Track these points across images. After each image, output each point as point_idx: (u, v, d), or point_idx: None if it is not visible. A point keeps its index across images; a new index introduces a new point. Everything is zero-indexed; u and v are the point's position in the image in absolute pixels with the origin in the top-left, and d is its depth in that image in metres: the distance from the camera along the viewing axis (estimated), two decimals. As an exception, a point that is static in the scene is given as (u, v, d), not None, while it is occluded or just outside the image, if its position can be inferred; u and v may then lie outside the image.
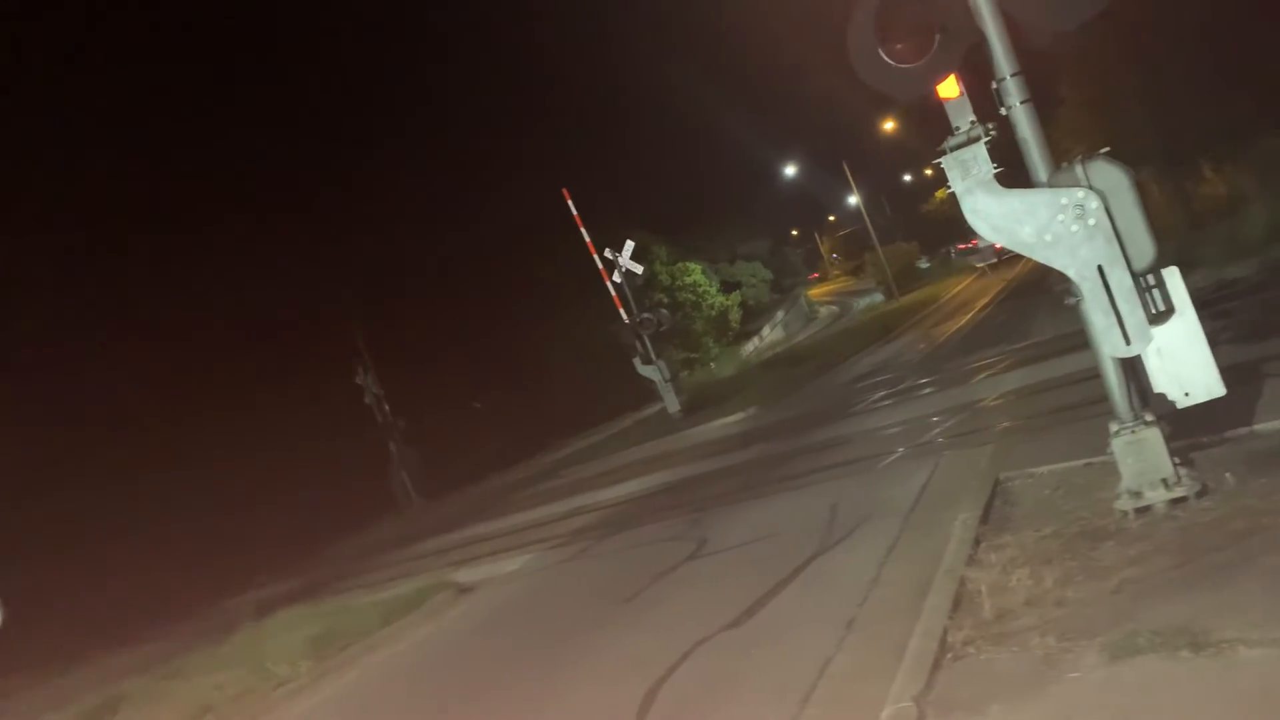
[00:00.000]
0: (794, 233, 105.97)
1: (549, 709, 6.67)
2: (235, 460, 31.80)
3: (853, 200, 64.23)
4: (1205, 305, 11.22)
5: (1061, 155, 6.06)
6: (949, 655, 4.95)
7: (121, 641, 19.98)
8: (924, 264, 70.56)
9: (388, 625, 11.28)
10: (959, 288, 46.48)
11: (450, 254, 42.70)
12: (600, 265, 27.87)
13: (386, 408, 32.80)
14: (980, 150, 5.79)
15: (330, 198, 42.28)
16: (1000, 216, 5.77)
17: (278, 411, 33.09)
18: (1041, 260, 5.79)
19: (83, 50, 39.34)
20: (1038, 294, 24.80)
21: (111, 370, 32.00)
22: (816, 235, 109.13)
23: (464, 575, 13.34)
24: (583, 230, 27.65)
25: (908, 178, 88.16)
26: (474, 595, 12.10)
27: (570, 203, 27.52)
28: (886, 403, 16.45)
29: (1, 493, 26.75)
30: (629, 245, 27.81)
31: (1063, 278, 5.91)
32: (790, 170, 72.77)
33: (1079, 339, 6.47)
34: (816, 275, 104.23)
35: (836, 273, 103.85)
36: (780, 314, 65.89)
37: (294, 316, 35.85)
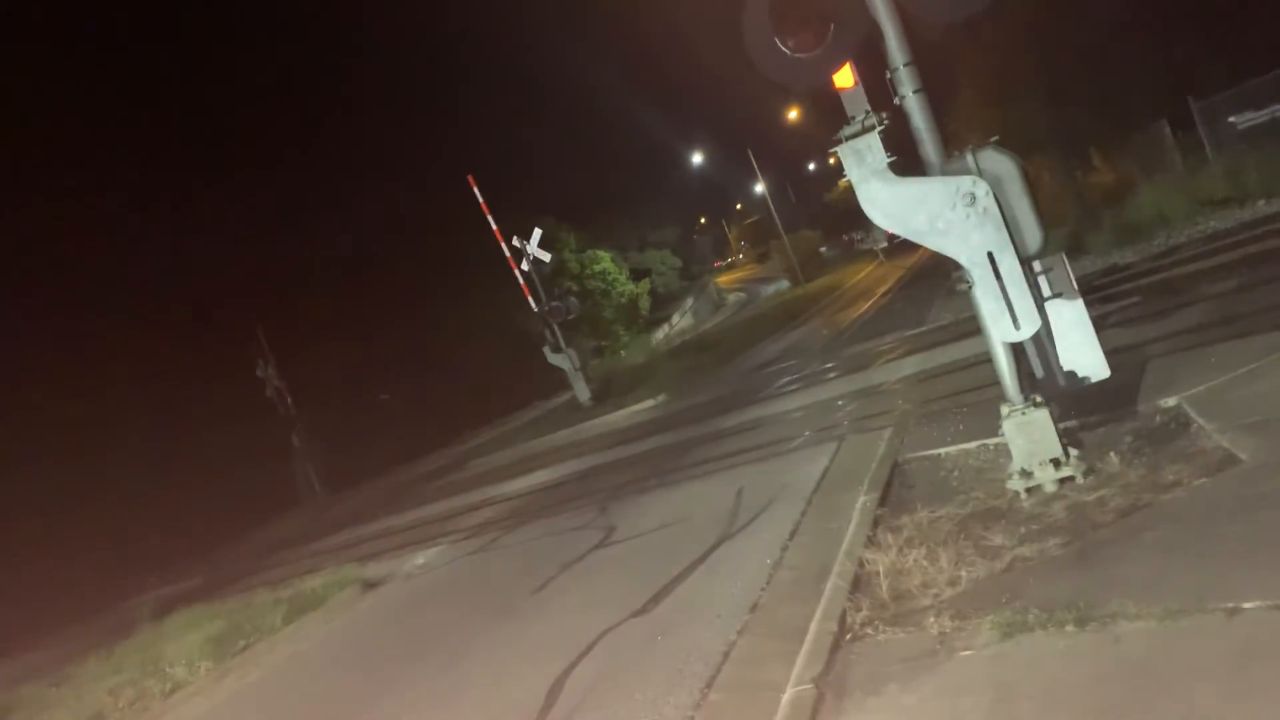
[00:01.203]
0: (702, 220, 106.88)
1: (454, 703, 6.59)
2: (132, 456, 30.75)
3: (759, 188, 64.96)
4: (1093, 290, 11.67)
5: (958, 144, 6.19)
6: (848, 636, 5.03)
7: (9, 647, 19.12)
8: (825, 250, 71.75)
9: (290, 624, 11.01)
10: (861, 274, 47.39)
11: (355, 244, 41.95)
12: (508, 253, 27.60)
13: (289, 400, 32.04)
14: (874, 140, 5.88)
15: (230, 186, 41.06)
16: (894, 204, 5.87)
17: (177, 405, 32.10)
18: (934, 248, 5.91)
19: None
20: (936, 280, 25.43)
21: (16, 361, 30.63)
22: (724, 223, 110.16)
23: (369, 570, 13.10)
24: (489, 218, 27.34)
25: (812, 166, 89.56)
26: (379, 590, 11.89)
27: (475, 190, 27.18)
28: (792, 388, 16.68)
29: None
30: (536, 233, 27.60)
31: (958, 266, 6.04)
32: (698, 158, 73.31)
33: (973, 324, 6.63)
34: (723, 263, 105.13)
35: (743, 260, 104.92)
36: (689, 301, 66.26)
37: (193, 309, 34.77)
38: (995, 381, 6.45)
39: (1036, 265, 5.98)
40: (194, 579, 21.64)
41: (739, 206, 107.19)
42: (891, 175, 5.87)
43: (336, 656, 9.56)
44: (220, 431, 31.85)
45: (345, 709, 7.51)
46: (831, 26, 5.70)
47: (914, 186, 5.82)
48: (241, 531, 29.07)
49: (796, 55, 5.75)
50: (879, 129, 5.89)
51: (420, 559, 13.04)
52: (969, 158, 5.82)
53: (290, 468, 31.86)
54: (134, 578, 24.18)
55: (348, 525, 22.18)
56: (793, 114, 54.91)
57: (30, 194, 34.16)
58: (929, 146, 6.02)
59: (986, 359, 6.61)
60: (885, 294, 31.14)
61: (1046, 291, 6.05)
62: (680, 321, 61.68)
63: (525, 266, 27.57)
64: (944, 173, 5.90)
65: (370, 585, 12.14)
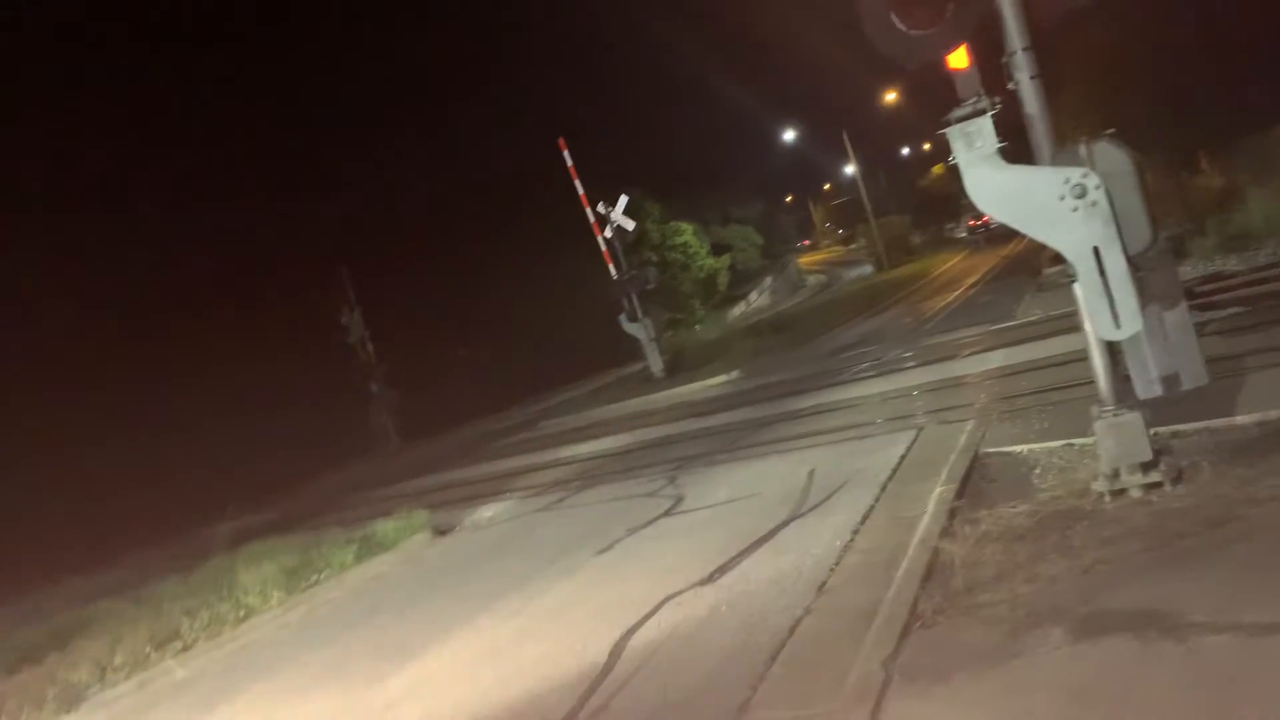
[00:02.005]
0: (788, 199, 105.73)
1: (516, 653, 6.72)
2: (220, 397, 31.71)
3: (849, 170, 63.97)
4: (1194, 296, 11.29)
5: (1061, 138, 6.03)
6: (918, 623, 5.00)
7: (97, 563, 20.02)
8: (917, 239, 70.53)
9: (361, 562, 11.33)
10: (949, 264, 46.49)
11: (441, 200, 42.42)
12: (593, 219, 27.68)
13: (370, 348, 32.69)
14: (986, 123, 5.75)
15: (324, 139, 41.85)
16: (1001, 191, 5.74)
17: (263, 350, 32.94)
18: (1039, 238, 5.77)
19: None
20: (1027, 274, 24.83)
21: (103, 304, 31.78)
22: (810, 202, 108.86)
23: (439, 518, 13.39)
24: (577, 182, 27.41)
25: (905, 151, 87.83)
26: (448, 538, 12.15)
27: (566, 153, 27.25)
28: (870, 374, 16.48)
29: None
30: (623, 200, 27.59)
31: (1052, 260, 5.90)
32: (789, 135, 72.22)
33: (1063, 321, 6.48)
34: (807, 242, 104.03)
35: (827, 242, 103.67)
36: (769, 280, 65.78)
37: (281, 256, 35.59)
38: (1083, 381, 6.31)
39: (1143, 264, 5.81)
40: (270, 513, 22.32)
41: (827, 187, 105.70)
42: (1001, 161, 5.74)
43: (403, 597, 9.81)
44: (303, 374, 32.71)
45: (408, 646, 7.72)
46: (950, 5, 5.58)
47: (1023, 174, 5.69)
48: (318, 472, 29.86)
49: (912, 33, 5.64)
50: (991, 113, 5.76)
51: (489, 511, 13.28)
52: (1082, 149, 5.67)
53: (367, 414, 32.58)
54: (213, 507, 25.05)
55: (420, 474, 22.65)
56: (890, 96, 53.89)
57: (109, 142, 35.16)
58: (1041, 135, 5.87)
59: (1076, 357, 6.48)
60: (973, 285, 30.53)
61: (1150, 292, 5.87)
62: (758, 300, 61.33)
63: (608, 233, 27.62)
64: (1055, 163, 5.75)
65: (440, 532, 12.42)
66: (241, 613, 10.36)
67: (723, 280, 56.14)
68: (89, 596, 14.31)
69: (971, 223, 56.37)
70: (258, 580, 11.07)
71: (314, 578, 10.95)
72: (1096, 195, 5.43)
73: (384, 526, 12.37)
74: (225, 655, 9.63)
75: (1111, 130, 5.86)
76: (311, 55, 48.79)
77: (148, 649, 9.65)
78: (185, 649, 9.73)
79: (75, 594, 15.85)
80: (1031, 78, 5.81)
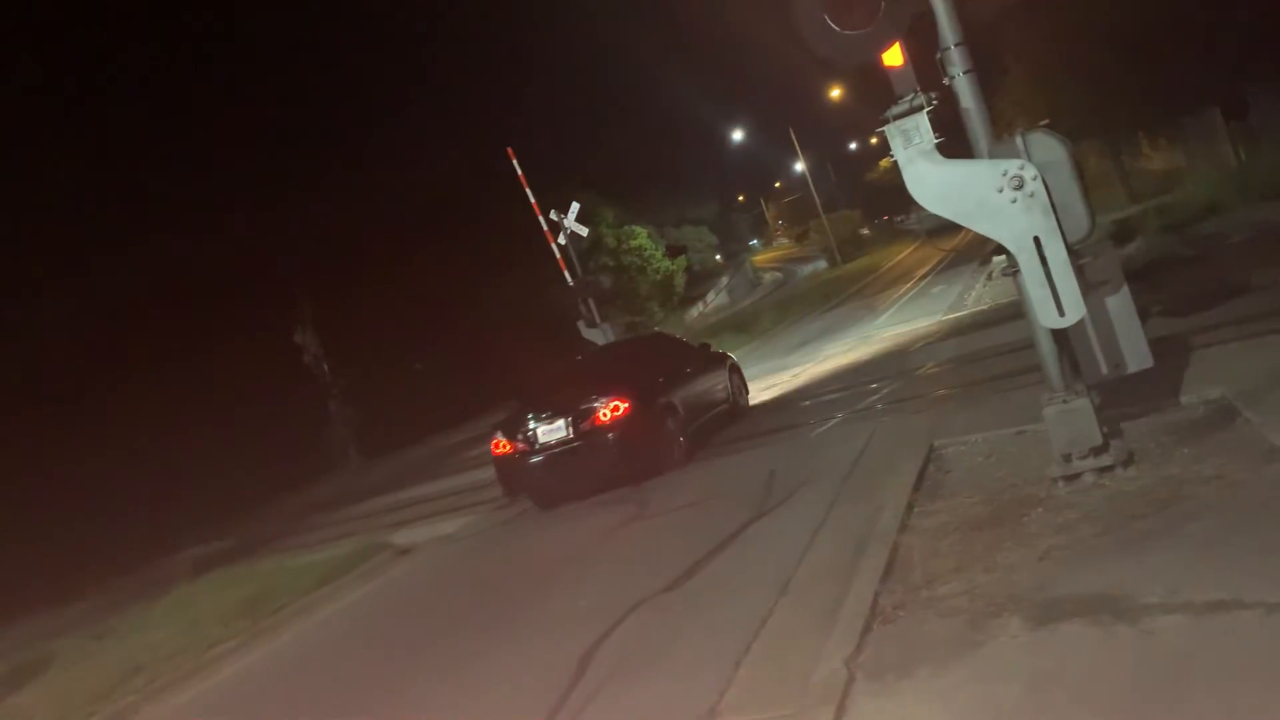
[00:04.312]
0: (740, 198, 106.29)
1: (485, 668, 6.67)
2: (172, 419, 31.20)
3: (799, 167, 64.43)
4: (1139, 277, 11.49)
5: (1006, 126, 6.11)
6: (879, 619, 5.03)
7: (53, 600, 19.59)
8: (867, 232, 71.23)
9: (324, 586, 11.18)
10: (900, 256, 46.97)
11: (394, 215, 42.11)
12: (545, 227, 27.58)
13: (326, 367, 32.35)
14: (922, 120, 5.80)
15: (271, 157, 41.37)
16: (941, 186, 5.79)
17: (215, 370, 32.46)
18: (980, 231, 5.83)
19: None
20: (975, 264, 25.16)
21: (50, 330, 31.13)
22: (762, 201, 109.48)
23: (402, 536, 13.27)
24: (527, 191, 27.28)
25: (853, 145, 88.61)
26: (412, 557, 12.03)
27: (515, 162, 27.14)
28: (829, 368, 16.62)
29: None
30: (574, 207, 27.46)
31: (998, 249, 5.97)
32: (738, 135, 72.68)
33: (1012, 309, 6.57)
34: (760, 241, 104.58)
35: (782, 239, 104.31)
36: (725, 280, 66.13)
37: (231, 274, 35.09)
38: (1035, 368, 6.39)
39: (1083, 252, 5.89)
40: (230, 540, 22.01)
41: (778, 185, 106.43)
42: (938, 156, 5.79)
43: (368, 620, 9.70)
44: (259, 396, 32.28)
45: (375, 670, 7.63)
46: (882, 4, 5.63)
47: (961, 168, 5.74)
48: (278, 494, 29.50)
49: (846, 33, 5.68)
50: (927, 109, 5.81)
51: (453, 527, 13.18)
52: (1018, 141, 5.73)
53: (326, 433, 32.24)
54: (172, 537, 24.67)
55: (382, 491, 22.45)
56: (835, 92, 54.30)
57: (62, 158, 34.54)
58: (977, 128, 5.93)
59: (1026, 344, 6.55)
60: (924, 276, 30.87)
61: (1092, 278, 5.96)
62: (715, 299, 61.61)
63: (562, 240, 27.54)
64: (992, 155, 5.81)
65: (402, 551, 12.30)
66: (205, 643, 10.17)
67: (679, 282, 56.30)
68: (48, 633, 14.01)
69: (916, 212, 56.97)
70: (220, 609, 10.90)
71: (276, 604, 10.78)
72: (1034, 186, 5.49)
73: (346, 548, 12.25)
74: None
75: (1046, 121, 5.94)
76: (257, 76, 48.31)
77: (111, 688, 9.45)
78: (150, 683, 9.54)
79: (34, 631, 15.50)
80: (965, 72, 5.87)
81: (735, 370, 14.28)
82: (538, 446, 11.32)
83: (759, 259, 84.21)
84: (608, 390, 11.18)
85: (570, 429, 11.13)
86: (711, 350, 14.61)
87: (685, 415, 12.01)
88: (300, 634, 9.96)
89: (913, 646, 4.63)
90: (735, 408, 13.78)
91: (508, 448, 11.77)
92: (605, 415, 11.00)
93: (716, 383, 13.42)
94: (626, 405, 11.03)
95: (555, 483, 11.44)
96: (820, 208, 58.83)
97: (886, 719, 4.15)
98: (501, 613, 7.94)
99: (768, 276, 72.48)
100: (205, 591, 12.72)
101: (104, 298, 32.34)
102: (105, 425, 30.49)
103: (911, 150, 5.82)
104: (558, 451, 11.17)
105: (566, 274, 27.86)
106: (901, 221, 66.73)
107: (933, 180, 5.81)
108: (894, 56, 5.94)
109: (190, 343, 33.23)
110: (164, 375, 31.94)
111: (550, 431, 11.27)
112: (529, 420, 11.51)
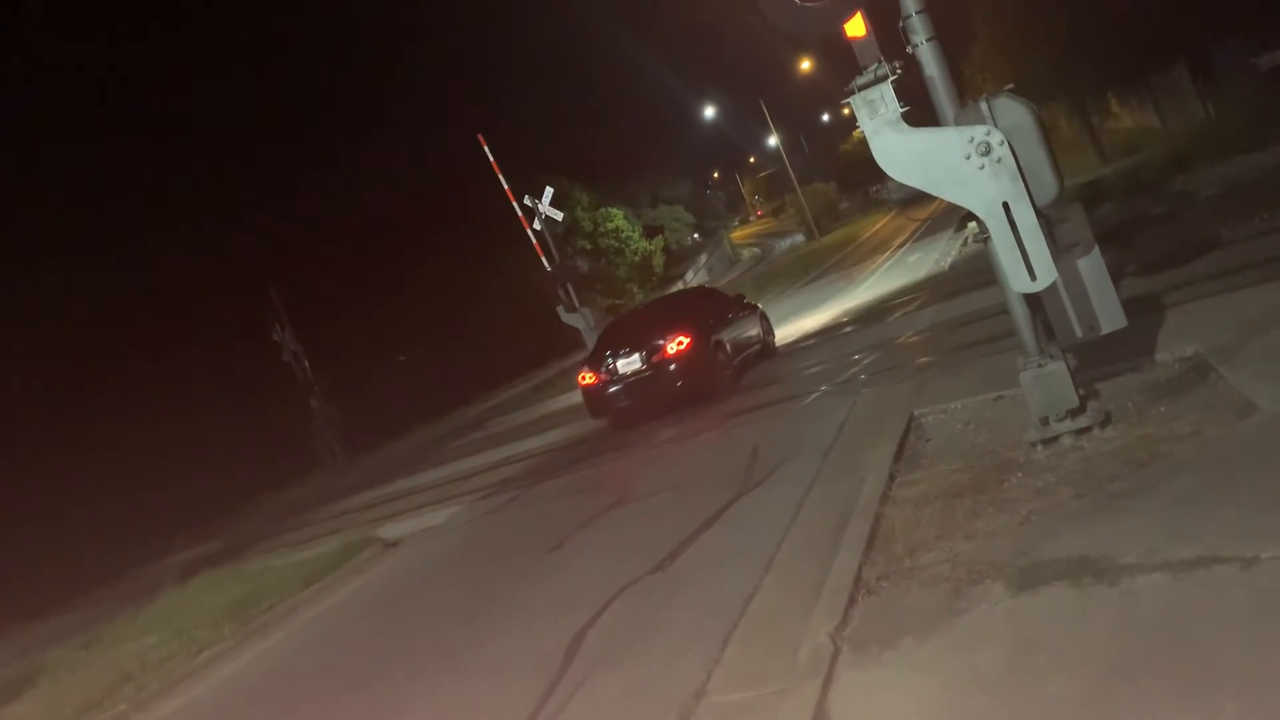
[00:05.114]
0: (715, 175, 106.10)
1: (475, 658, 6.66)
2: (153, 423, 30.99)
3: (772, 141, 64.31)
4: (1110, 238, 11.54)
5: (975, 91, 6.09)
6: (863, 591, 5.04)
7: (40, 611, 19.47)
8: (845, 206, 71.27)
9: (311, 585, 11.13)
10: (877, 226, 47.03)
11: (366, 206, 41.89)
12: (520, 213, 27.45)
13: (306, 364, 32.11)
14: (887, 90, 5.77)
15: (240, 153, 40.99)
16: (908, 156, 5.77)
17: (194, 371, 32.26)
18: (949, 199, 5.82)
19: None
20: (950, 232, 25.22)
21: (25, 334, 30.84)
22: (738, 177, 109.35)
23: (389, 531, 13.23)
24: (500, 177, 27.15)
25: (826, 118, 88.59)
26: (399, 551, 12.00)
27: (486, 149, 26.98)
28: (810, 342, 16.65)
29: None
30: (548, 191, 27.36)
31: (971, 216, 5.96)
32: (710, 112, 72.48)
33: (988, 275, 6.57)
34: (737, 217, 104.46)
35: (759, 213, 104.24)
36: (704, 257, 65.98)
37: (206, 274, 34.87)
38: (1011, 333, 6.39)
39: (1053, 215, 5.89)
40: (216, 542, 21.91)
41: (752, 160, 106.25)
42: (905, 126, 5.76)
43: (358, 616, 9.68)
44: (241, 395, 32.10)
45: (367, 666, 7.61)
46: (842, -26, 5.59)
47: (927, 137, 5.72)
48: (263, 494, 29.37)
49: (807, 5, 5.63)
50: (892, 79, 5.77)
51: (439, 518, 13.15)
52: (983, 107, 5.71)
53: (309, 430, 32.04)
54: (158, 541, 24.54)
55: (367, 486, 22.37)
56: (805, 65, 54.24)
57: (40, 160, 34.14)
58: (942, 96, 5.91)
59: (1002, 310, 6.56)
60: (901, 245, 30.92)
61: (1063, 241, 5.96)
62: (695, 278, 61.46)
63: (538, 225, 27.41)
64: (958, 123, 5.79)
65: (390, 545, 12.26)
66: (194, 648, 10.12)
67: (658, 262, 56.20)
68: (36, 645, 13.92)
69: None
70: (208, 613, 10.85)
71: (265, 605, 10.73)
72: (1001, 151, 5.47)
73: (333, 545, 12.20)
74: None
75: (1010, 85, 5.92)
76: (228, 75, 47.80)
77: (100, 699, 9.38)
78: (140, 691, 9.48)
79: (21, 643, 15.40)
80: (928, 40, 5.84)
81: (764, 317, 16.75)
82: (616, 377, 13.71)
83: (737, 235, 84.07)
84: (673, 329, 13.56)
85: (643, 361, 13.51)
86: (745, 300, 16.92)
87: (732, 350, 14.43)
88: (290, 634, 9.92)
89: (897, 617, 4.65)
90: (766, 346, 16.26)
91: (593, 379, 14.03)
92: (672, 349, 13.36)
93: (752, 326, 15.87)
94: (689, 340, 13.39)
95: (632, 405, 13.74)
96: (795, 181, 58.75)
97: (872, 691, 4.17)
98: (489, 602, 7.93)
99: (746, 252, 72.39)
100: (193, 595, 12.65)
101: (78, 299, 32.10)
102: (85, 429, 30.29)
103: (878, 120, 5.79)
104: (633, 380, 13.57)
105: (544, 259, 27.79)
106: (876, 192, 66.73)
107: (900, 150, 5.78)
108: (856, 27, 5.90)
109: (168, 344, 33.04)
110: (142, 377, 31.73)
111: (627, 364, 13.66)
112: (608, 356, 13.84)
